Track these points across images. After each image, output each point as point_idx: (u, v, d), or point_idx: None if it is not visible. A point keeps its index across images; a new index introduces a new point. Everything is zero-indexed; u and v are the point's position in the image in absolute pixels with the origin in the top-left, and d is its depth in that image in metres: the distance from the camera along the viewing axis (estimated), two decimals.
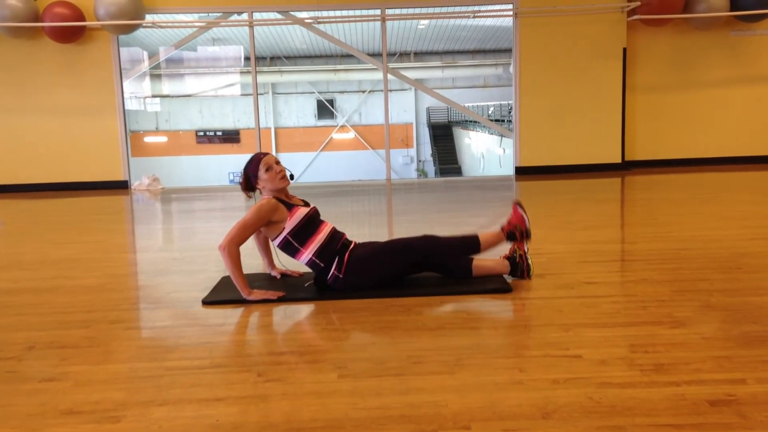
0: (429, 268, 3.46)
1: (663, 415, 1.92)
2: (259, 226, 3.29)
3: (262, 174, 3.36)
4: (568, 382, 2.17)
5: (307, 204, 3.47)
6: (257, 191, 3.47)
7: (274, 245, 3.48)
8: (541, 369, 2.29)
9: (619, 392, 2.08)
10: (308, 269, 3.51)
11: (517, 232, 3.46)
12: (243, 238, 3.24)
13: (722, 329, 2.64)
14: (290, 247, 3.35)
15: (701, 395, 2.04)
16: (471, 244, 3.47)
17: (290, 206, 3.35)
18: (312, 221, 3.37)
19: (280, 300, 3.23)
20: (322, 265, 3.32)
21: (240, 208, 7.48)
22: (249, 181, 3.43)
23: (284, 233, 3.32)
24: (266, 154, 3.43)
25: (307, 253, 3.32)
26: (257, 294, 3.23)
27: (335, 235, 3.39)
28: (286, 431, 1.91)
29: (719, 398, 2.01)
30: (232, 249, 3.19)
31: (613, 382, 2.16)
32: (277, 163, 3.38)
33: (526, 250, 3.48)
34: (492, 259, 3.50)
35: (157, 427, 1.96)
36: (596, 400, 2.02)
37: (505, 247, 3.59)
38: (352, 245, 3.39)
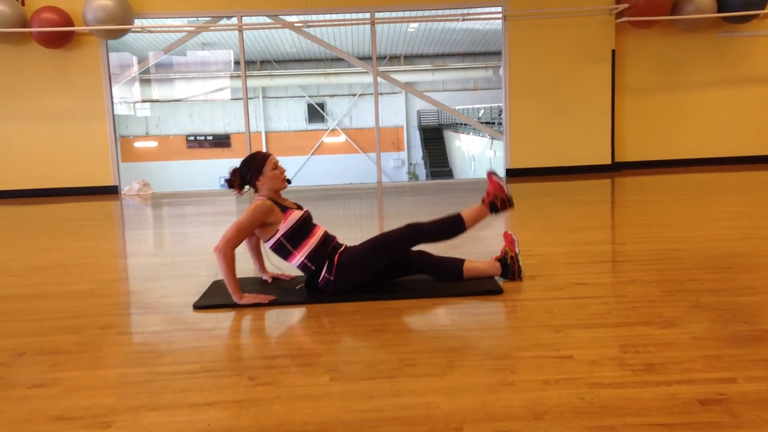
0: (419, 270, 3.46)
1: (654, 415, 1.93)
2: (255, 227, 3.28)
3: (267, 171, 3.33)
4: (560, 382, 2.17)
5: (300, 207, 3.46)
6: (247, 190, 3.43)
7: (266, 248, 3.47)
8: (532, 370, 2.29)
9: (611, 392, 2.08)
10: (299, 272, 3.51)
11: (498, 202, 3.44)
12: (239, 240, 3.22)
13: (712, 329, 2.65)
14: (283, 250, 3.34)
15: (692, 394, 2.05)
16: (456, 224, 3.44)
17: (284, 209, 3.34)
18: (305, 224, 3.36)
19: (272, 304, 3.23)
20: (314, 268, 3.32)
21: (230, 213, 7.46)
22: (245, 178, 3.38)
23: (278, 235, 3.31)
24: (270, 153, 3.41)
25: (300, 256, 3.32)
26: (248, 298, 3.22)
27: (327, 239, 3.39)
28: None
29: (710, 397, 2.02)
30: (228, 251, 3.18)
31: (604, 382, 2.16)
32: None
33: (517, 252, 3.49)
34: (483, 261, 3.50)
35: None
36: (588, 401, 2.03)
37: (496, 249, 3.60)
38: (342, 248, 3.39)
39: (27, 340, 2.86)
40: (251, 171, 3.36)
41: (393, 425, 1.93)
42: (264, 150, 24.51)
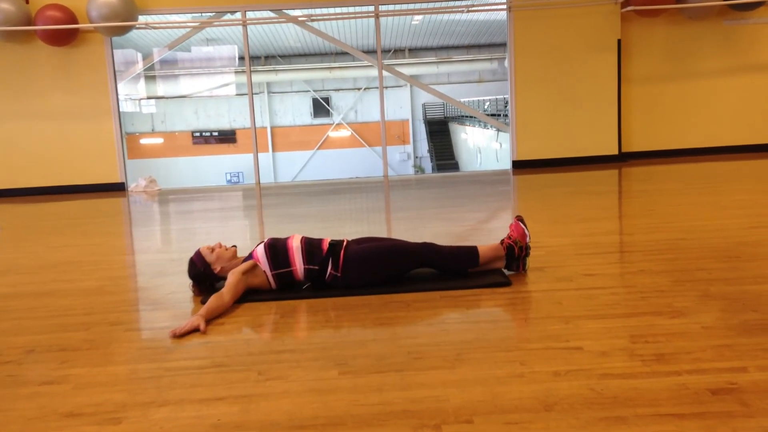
0: (425, 265, 3.45)
1: (665, 405, 1.92)
2: (244, 282, 3.23)
3: (210, 258, 3.37)
4: (569, 374, 2.17)
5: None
6: (218, 283, 3.40)
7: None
8: (541, 361, 2.29)
9: (621, 383, 2.08)
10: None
11: (516, 248, 3.42)
12: (231, 296, 3.16)
13: (722, 318, 2.64)
14: (284, 276, 3.31)
15: (703, 384, 2.04)
16: (470, 255, 3.42)
17: (249, 257, 3.37)
18: (275, 245, 3.34)
19: (280, 298, 3.23)
20: (317, 268, 3.30)
21: (237, 208, 7.48)
22: (206, 278, 3.38)
23: (268, 272, 3.29)
24: (198, 248, 3.45)
25: (298, 266, 3.29)
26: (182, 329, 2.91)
27: (310, 241, 3.36)
28: (288, 429, 1.91)
29: (721, 387, 2.01)
30: (220, 298, 3.10)
31: (614, 373, 2.16)
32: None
33: (527, 242, 3.46)
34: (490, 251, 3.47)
35: (159, 428, 1.96)
36: (598, 392, 2.02)
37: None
38: (344, 243, 3.38)
39: (36, 337, 2.87)
40: (203, 270, 3.37)
41: (403, 418, 1.93)
42: (265, 149, 24.54)
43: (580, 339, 2.49)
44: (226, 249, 3.44)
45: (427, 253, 3.40)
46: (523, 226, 3.48)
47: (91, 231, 5.97)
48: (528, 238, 3.47)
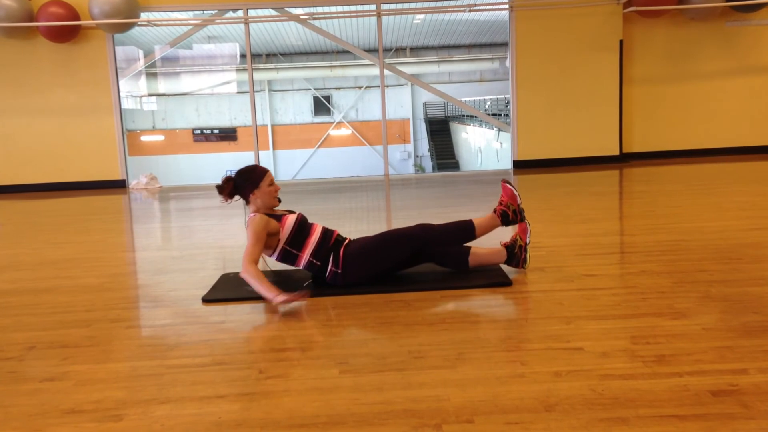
0: (425, 258, 3.44)
1: (666, 406, 1.92)
2: (263, 239, 3.25)
3: (264, 185, 3.35)
4: (570, 374, 2.17)
5: (292, 212, 3.46)
6: (236, 199, 3.42)
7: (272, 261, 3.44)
8: (542, 362, 2.29)
9: (622, 384, 2.08)
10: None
11: (509, 212, 3.42)
12: (256, 256, 3.20)
13: (723, 320, 2.64)
14: (290, 256, 3.35)
15: (703, 386, 2.04)
16: (466, 230, 3.44)
17: (279, 217, 3.36)
18: (303, 225, 3.38)
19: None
20: (319, 263, 3.31)
21: (238, 206, 7.46)
22: (239, 187, 3.38)
23: (281, 243, 3.32)
24: (268, 169, 3.45)
25: (305, 256, 3.32)
26: (284, 297, 2.99)
27: (327, 233, 3.39)
28: (289, 428, 1.91)
29: (721, 388, 2.02)
30: (250, 268, 3.13)
31: (615, 373, 2.16)
32: None
33: (527, 242, 3.46)
34: (488, 248, 3.48)
35: (159, 425, 1.96)
36: (599, 392, 2.02)
37: (506, 235, 3.58)
38: (346, 241, 3.40)
39: (37, 333, 2.88)
40: (248, 182, 3.36)
41: (403, 418, 1.93)
42: (266, 147, 24.55)
43: (580, 339, 2.49)
44: (278, 200, 3.42)
45: (423, 233, 3.39)
46: (511, 187, 3.47)
47: (91, 228, 5.97)
48: (519, 199, 3.46)
